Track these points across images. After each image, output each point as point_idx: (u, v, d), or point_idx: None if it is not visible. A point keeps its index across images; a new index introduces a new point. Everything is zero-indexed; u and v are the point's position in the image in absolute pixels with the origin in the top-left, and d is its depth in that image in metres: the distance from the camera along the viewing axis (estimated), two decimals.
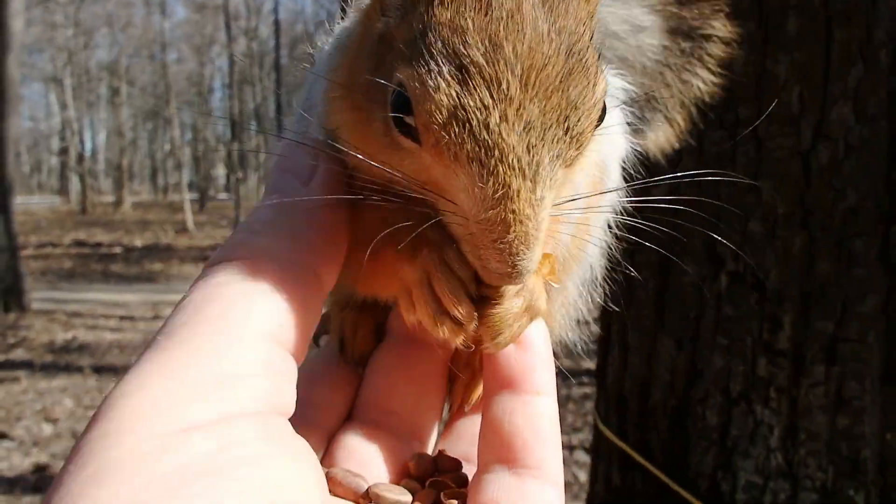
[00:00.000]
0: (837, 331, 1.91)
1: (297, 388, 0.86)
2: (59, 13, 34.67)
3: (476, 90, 0.68)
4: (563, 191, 0.74)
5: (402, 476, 0.82)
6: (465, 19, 0.69)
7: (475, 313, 0.76)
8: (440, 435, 0.92)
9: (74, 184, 39.93)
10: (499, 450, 0.76)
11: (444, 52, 0.69)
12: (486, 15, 0.69)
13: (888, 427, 1.88)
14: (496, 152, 0.68)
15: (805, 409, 1.94)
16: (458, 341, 0.77)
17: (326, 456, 0.81)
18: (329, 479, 0.73)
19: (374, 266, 0.77)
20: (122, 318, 12.10)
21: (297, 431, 0.75)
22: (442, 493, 0.76)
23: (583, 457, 6.20)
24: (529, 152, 0.68)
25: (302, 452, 0.65)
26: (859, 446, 1.90)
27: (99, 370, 9.04)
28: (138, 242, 23.34)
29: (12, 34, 12.84)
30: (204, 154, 42.70)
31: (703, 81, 1.31)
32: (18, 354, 9.79)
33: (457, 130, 0.68)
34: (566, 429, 6.82)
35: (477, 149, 0.68)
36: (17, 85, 13.70)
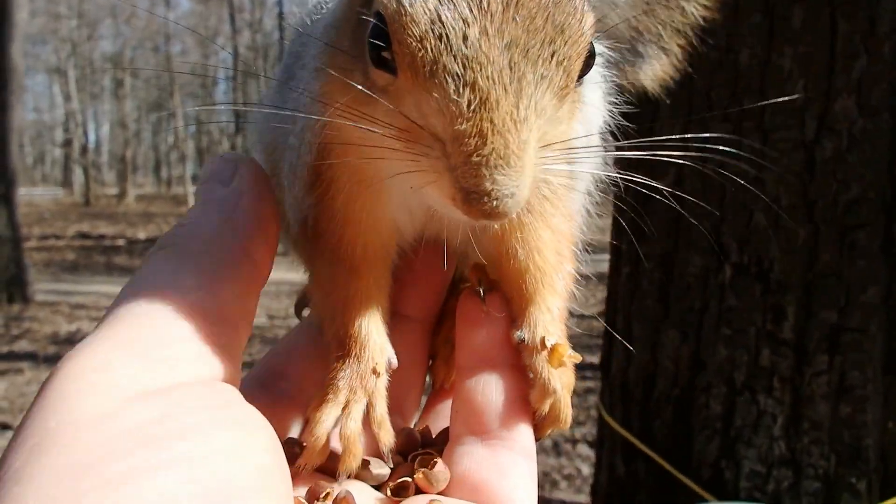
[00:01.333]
0: (840, 321, 1.93)
1: (276, 361, 0.86)
2: (62, 4, 34.66)
3: (455, 4, 0.66)
4: (555, 132, 0.70)
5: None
6: None
7: None
8: (422, 413, 0.93)
9: (78, 175, 39.97)
10: (471, 421, 0.76)
11: None
12: None
13: (890, 415, 1.90)
14: (475, 65, 0.65)
15: (808, 398, 1.96)
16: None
17: (306, 429, 0.80)
18: (305, 448, 0.74)
19: None
20: None
21: (275, 405, 0.76)
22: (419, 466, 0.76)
23: (586, 450, 6.22)
24: (511, 68, 0.65)
25: (251, 420, 0.63)
26: (861, 435, 1.92)
27: None
28: (142, 235, 23.37)
29: (16, 24, 12.82)
30: (208, 147, 42.69)
31: (696, 4, 1.29)
32: (22, 346, 9.82)
33: (433, 44, 0.65)
34: None
35: (454, 62, 0.65)
36: (21, 75, 13.70)
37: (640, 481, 2.29)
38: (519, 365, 0.80)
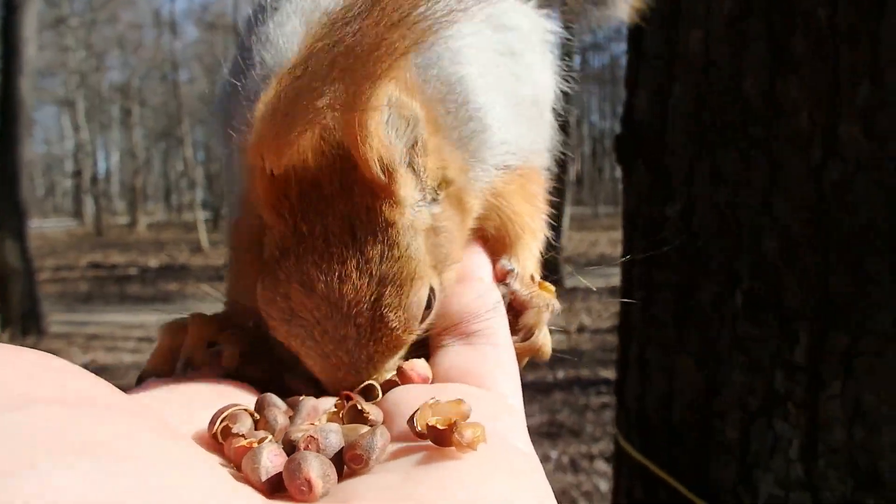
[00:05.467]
0: (853, 346, 1.94)
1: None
2: (70, 36, 35.10)
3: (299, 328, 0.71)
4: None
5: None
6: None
7: None
8: None
9: (89, 206, 40.27)
10: (451, 326, 0.78)
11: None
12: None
13: None
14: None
15: (823, 423, 1.97)
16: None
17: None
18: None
19: None
20: (140, 339, 12.18)
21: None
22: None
23: (603, 466, 6.19)
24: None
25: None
26: (877, 458, 1.92)
27: None
28: (153, 263, 23.49)
29: (25, 60, 13.00)
30: (217, 172, 42.97)
31: None
32: None
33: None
34: (586, 438, 6.80)
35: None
36: (30, 109, 13.86)
37: None
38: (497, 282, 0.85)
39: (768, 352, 2.05)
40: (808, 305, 1.99)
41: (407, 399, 0.65)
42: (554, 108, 1.04)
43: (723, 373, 2.14)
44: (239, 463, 0.54)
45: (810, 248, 2.00)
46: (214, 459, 0.55)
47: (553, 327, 0.89)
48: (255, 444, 0.54)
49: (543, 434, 6.76)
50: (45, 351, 0.55)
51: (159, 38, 42.25)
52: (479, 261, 0.86)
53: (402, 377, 0.72)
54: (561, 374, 8.41)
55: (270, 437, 0.58)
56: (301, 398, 0.67)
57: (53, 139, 52.51)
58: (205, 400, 0.64)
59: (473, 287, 0.81)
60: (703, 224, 2.19)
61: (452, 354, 0.75)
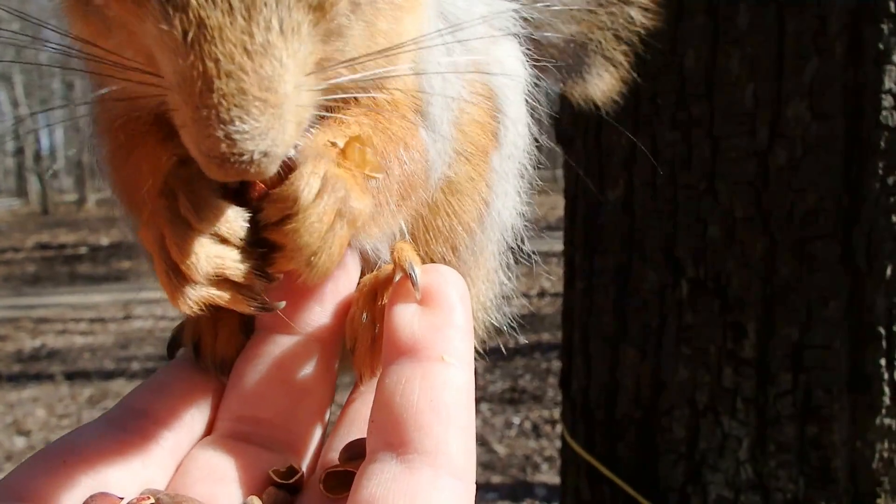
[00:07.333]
0: (802, 337, 1.83)
1: (137, 401, 0.70)
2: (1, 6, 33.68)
3: None
4: (352, 40, 0.57)
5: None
6: None
7: (227, 260, 0.59)
8: (337, 421, 0.76)
9: (33, 184, 39.07)
10: (387, 432, 0.59)
11: None
12: None
13: (858, 435, 1.82)
14: None
15: (773, 420, 1.88)
16: (247, 306, 0.61)
17: (176, 477, 0.67)
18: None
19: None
20: (92, 320, 11.82)
21: (123, 444, 0.63)
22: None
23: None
24: None
25: None
26: (829, 456, 1.83)
27: (71, 377, 8.81)
28: (105, 241, 22.90)
29: None
30: None
31: (639, 8, 1.22)
32: None
33: None
34: (547, 403, 6.78)
35: None
36: None
37: None
38: (455, 362, 0.63)
39: (714, 344, 1.94)
40: (753, 294, 1.88)
41: None
42: None
43: (668, 366, 2.03)
44: None
45: (755, 232, 1.88)
46: None
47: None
48: None
49: (506, 400, 6.75)
50: None
51: None
52: (441, 320, 0.64)
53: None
54: (522, 339, 8.40)
55: None
56: None
57: None
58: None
59: (428, 374, 0.61)
60: (643, 207, 2.06)
61: (377, 480, 0.56)
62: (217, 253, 0.59)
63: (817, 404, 1.83)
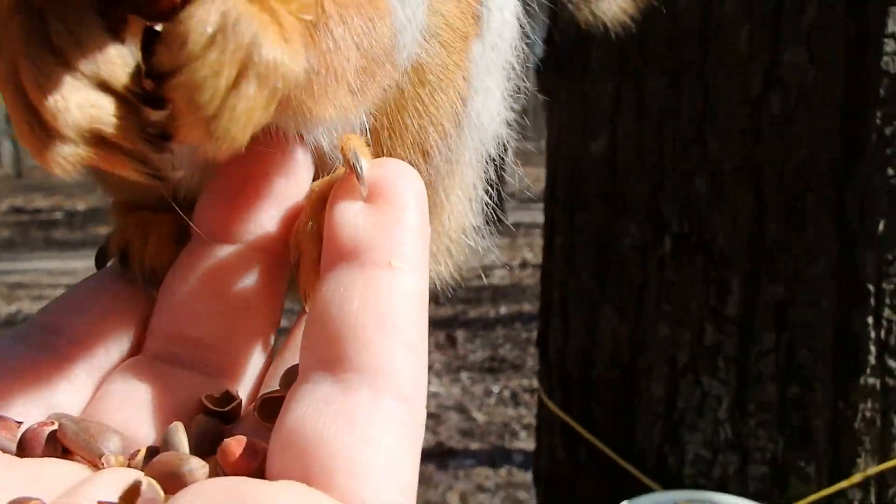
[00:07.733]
0: (787, 295, 1.77)
1: (49, 317, 0.61)
2: None
3: None
4: None
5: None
6: None
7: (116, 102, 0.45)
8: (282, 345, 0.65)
9: (6, 147, 38.37)
10: (322, 348, 0.49)
11: None
12: None
13: (840, 395, 1.77)
14: None
15: (754, 379, 1.82)
16: (133, 171, 0.48)
17: (93, 402, 0.58)
18: (60, 436, 0.51)
19: None
20: (68, 286, 11.48)
21: (46, 371, 0.54)
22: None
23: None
24: None
25: None
26: (810, 416, 1.78)
27: None
28: (81, 206, 22.56)
29: None
30: None
31: None
32: None
33: None
34: (527, 372, 6.78)
35: None
36: None
37: (582, 467, 2.14)
38: (405, 267, 0.52)
39: (696, 301, 1.87)
40: (739, 250, 1.81)
41: None
42: None
43: (647, 325, 1.96)
44: None
45: (743, 185, 1.80)
46: None
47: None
48: None
49: (486, 369, 6.75)
50: None
51: None
52: (389, 219, 0.53)
53: (224, 457, 0.47)
54: (503, 310, 8.39)
55: None
56: None
57: None
58: None
59: (371, 281, 0.50)
60: (627, 159, 1.98)
61: (307, 402, 0.47)
62: (94, 101, 0.45)
63: (800, 363, 1.77)
